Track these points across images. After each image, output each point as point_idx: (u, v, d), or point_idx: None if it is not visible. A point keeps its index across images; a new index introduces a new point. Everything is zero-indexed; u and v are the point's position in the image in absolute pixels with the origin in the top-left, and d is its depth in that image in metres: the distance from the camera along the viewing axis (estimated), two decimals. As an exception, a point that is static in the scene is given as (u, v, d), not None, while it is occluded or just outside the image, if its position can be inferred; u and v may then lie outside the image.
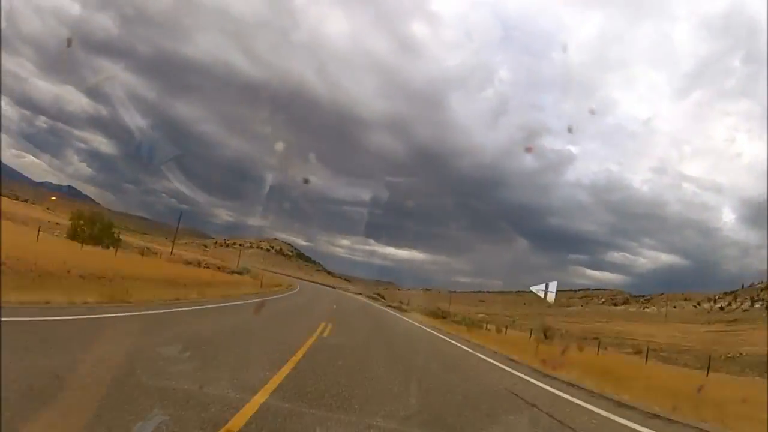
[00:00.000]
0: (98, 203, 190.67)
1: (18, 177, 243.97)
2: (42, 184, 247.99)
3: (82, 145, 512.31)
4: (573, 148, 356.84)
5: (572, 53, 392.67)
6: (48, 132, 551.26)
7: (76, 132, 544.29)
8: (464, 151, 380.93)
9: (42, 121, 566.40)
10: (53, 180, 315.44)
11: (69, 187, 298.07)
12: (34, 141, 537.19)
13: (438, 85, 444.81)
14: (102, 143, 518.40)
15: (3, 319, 5.50)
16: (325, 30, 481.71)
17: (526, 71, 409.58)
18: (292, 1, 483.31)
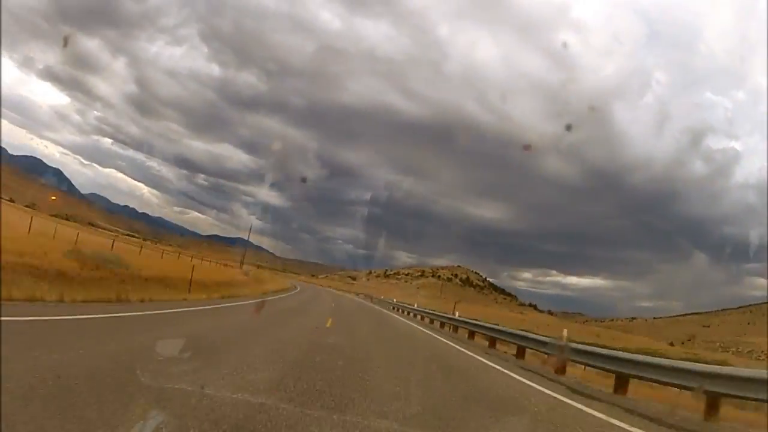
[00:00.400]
0: (271, 252, 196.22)
1: (186, 232, 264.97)
2: (211, 237, 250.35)
3: (249, 199, 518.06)
4: (737, 145, 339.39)
5: (714, 41, 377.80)
6: (211, 189, 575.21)
7: (242, 187, 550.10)
8: (635, 165, 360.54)
9: (202, 179, 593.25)
10: (220, 233, 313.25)
11: (238, 238, 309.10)
12: (198, 198, 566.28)
13: (599, 97, 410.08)
14: (271, 196, 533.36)
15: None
16: (475, 57, 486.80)
17: (679, 68, 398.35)
18: (435, 33, 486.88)
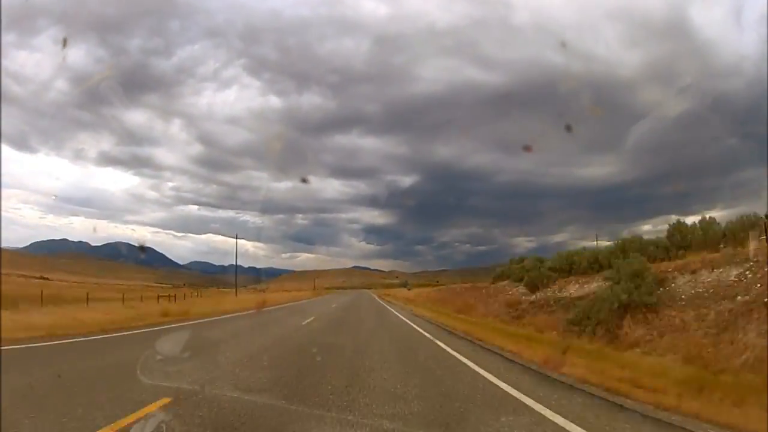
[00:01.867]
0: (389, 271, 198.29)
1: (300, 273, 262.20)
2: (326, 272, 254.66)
3: (355, 226, 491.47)
4: None
5: None
6: (313, 225, 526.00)
7: (342, 215, 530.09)
8: (726, 71, 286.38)
9: (300, 219, 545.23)
10: (336, 266, 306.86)
11: (354, 267, 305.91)
12: (303, 238, 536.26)
13: (673, 8, 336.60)
14: (375, 216, 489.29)
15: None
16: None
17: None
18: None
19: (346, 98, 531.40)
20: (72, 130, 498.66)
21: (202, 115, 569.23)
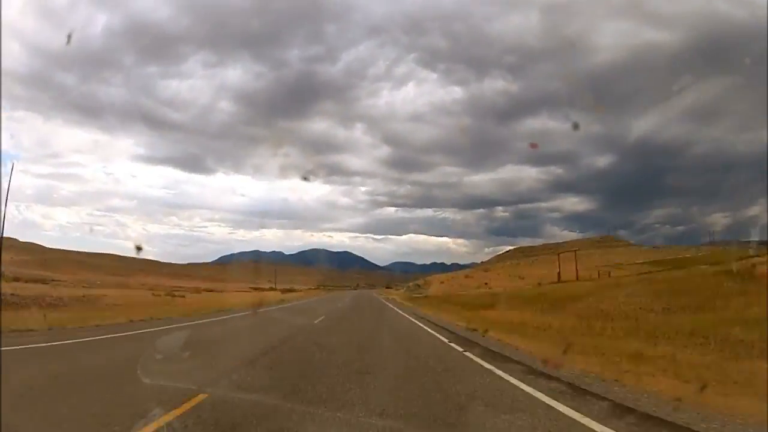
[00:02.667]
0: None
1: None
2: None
3: (555, 215, 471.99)
4: None
5: None
6: (514, 218, 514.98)
7: (543, 204, 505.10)
8: None
9: (501, 211, 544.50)
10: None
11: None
12: (506, 232, 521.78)
13: None
14: (574, 203, 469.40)
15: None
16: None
17: None
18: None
19: (529, 79, 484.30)
20: (248, 147, 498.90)
21: (384, 116, 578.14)
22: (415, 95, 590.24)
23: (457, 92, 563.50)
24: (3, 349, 7.58)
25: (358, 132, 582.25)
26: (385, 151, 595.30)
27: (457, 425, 4.05)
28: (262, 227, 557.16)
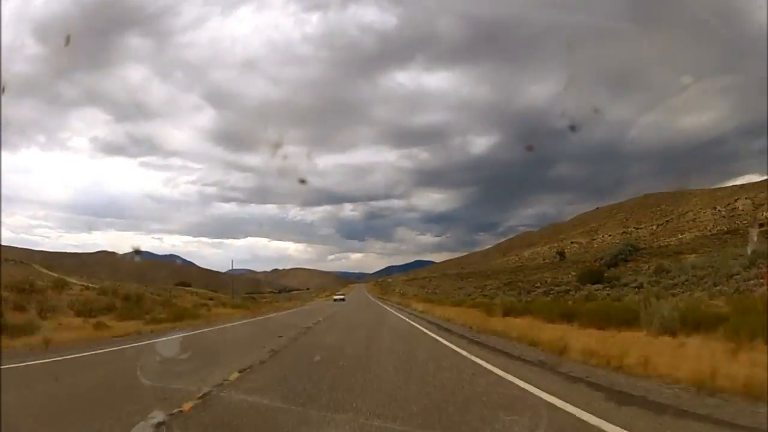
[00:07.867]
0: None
1: (351, 275, 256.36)
2: (386, 270, 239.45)
3: (412, 215, 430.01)
4: None
5: None
6: (364, 218, 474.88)
7: (396, 201, 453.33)
8: None
9: (350, 210, 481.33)
10: (397, 262, 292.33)
11: (416, 261, 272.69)
12: (353, 235, 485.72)
13: None
14: (436, 201, 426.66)
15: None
16: None
17: None
18: None
19: (411, 6, 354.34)
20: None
21: (207, 61, 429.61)
22: (252, 28, 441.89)
23: (310, 24, 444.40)
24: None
25: (175, 86, 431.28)
26: (208, 116, 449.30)
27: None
28: (93, 229, 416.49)
